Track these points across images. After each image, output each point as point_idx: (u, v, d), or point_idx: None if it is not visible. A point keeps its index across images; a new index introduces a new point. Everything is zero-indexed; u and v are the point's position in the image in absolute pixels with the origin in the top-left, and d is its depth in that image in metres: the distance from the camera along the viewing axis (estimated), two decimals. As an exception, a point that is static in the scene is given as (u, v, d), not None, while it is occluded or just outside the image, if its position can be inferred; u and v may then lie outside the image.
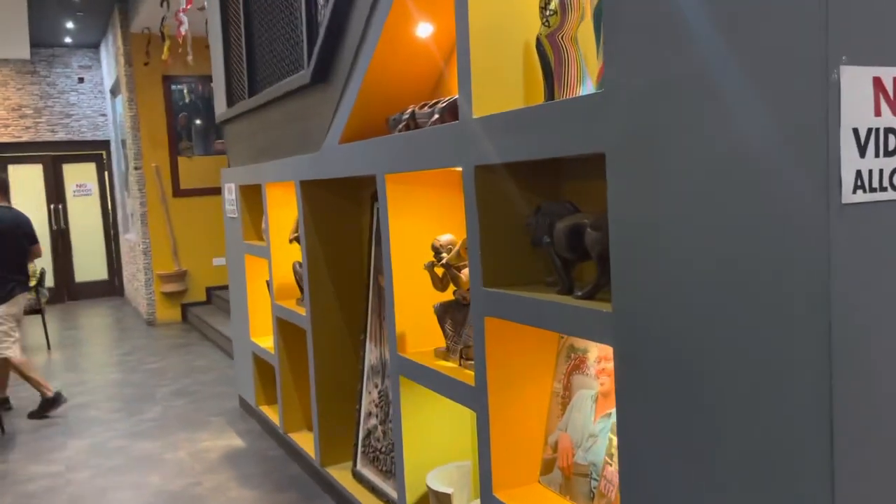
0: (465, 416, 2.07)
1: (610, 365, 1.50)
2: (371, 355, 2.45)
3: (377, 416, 2.40)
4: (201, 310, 6.47)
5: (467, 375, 1.70)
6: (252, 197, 3.34)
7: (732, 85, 0.93)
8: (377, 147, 1.93)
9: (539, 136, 1.30)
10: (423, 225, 1.98)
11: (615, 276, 1.16)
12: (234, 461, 3.06)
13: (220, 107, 3.66)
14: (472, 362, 1.76)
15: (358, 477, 2.48)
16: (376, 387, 2.42)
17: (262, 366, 3.38)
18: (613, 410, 1.47)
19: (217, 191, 6.79)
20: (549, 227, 1.42)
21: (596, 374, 1.53)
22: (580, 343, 1.59)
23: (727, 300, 0.97)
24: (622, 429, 1.17)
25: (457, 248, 1.76)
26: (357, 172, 2.06)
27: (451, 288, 1.89)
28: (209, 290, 6.77)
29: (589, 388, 1.55)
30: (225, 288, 6.70)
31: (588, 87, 1.44)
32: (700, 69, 0.97)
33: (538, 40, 1.44)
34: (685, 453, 1.06)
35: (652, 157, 1.06)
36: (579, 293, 1.34)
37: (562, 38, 1.43)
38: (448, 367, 1.81)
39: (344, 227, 2.61)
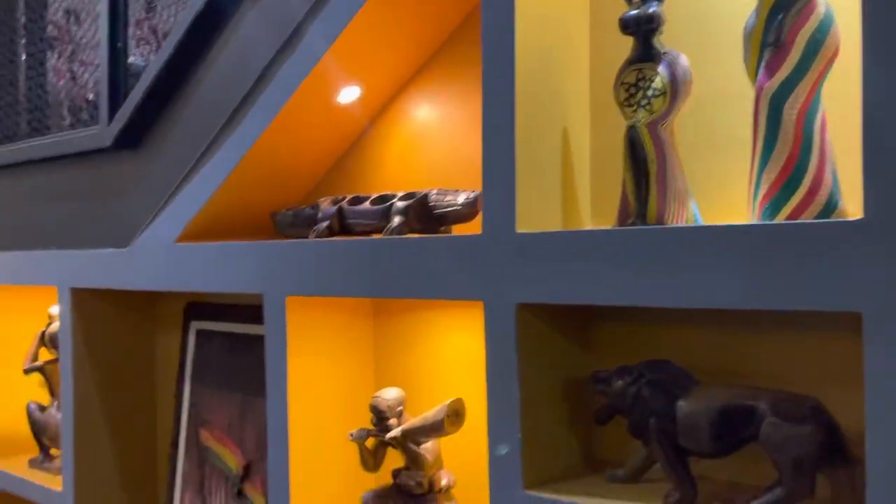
0: None
1: None
2: (185, 551, 1.66)
3: None
4: None
5: None
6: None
7: None
8: (280, 256, 1.28)
9: (716, 275, 0.84)
10: (333, 370, 1.36)
11: None
12: None
13: None
14: (449, 588, 1.17)
15: None
16: None
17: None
18: None
19: None
20: (664, 403, 0.95)
21: None
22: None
23: None
24: None
25: (439, 412, 1.16)
26: (222, 288, 1.37)
27: (386, 467, 1.29)
28: None
29: None
30: None
31: (694, 205, 1.02)
32: None
33: (632, 129, 1.00)
34: None
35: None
36: (740, 512, 0.88)
37: (663, 128, 1.01)
38: None
39: (135, 355, 1.80)
